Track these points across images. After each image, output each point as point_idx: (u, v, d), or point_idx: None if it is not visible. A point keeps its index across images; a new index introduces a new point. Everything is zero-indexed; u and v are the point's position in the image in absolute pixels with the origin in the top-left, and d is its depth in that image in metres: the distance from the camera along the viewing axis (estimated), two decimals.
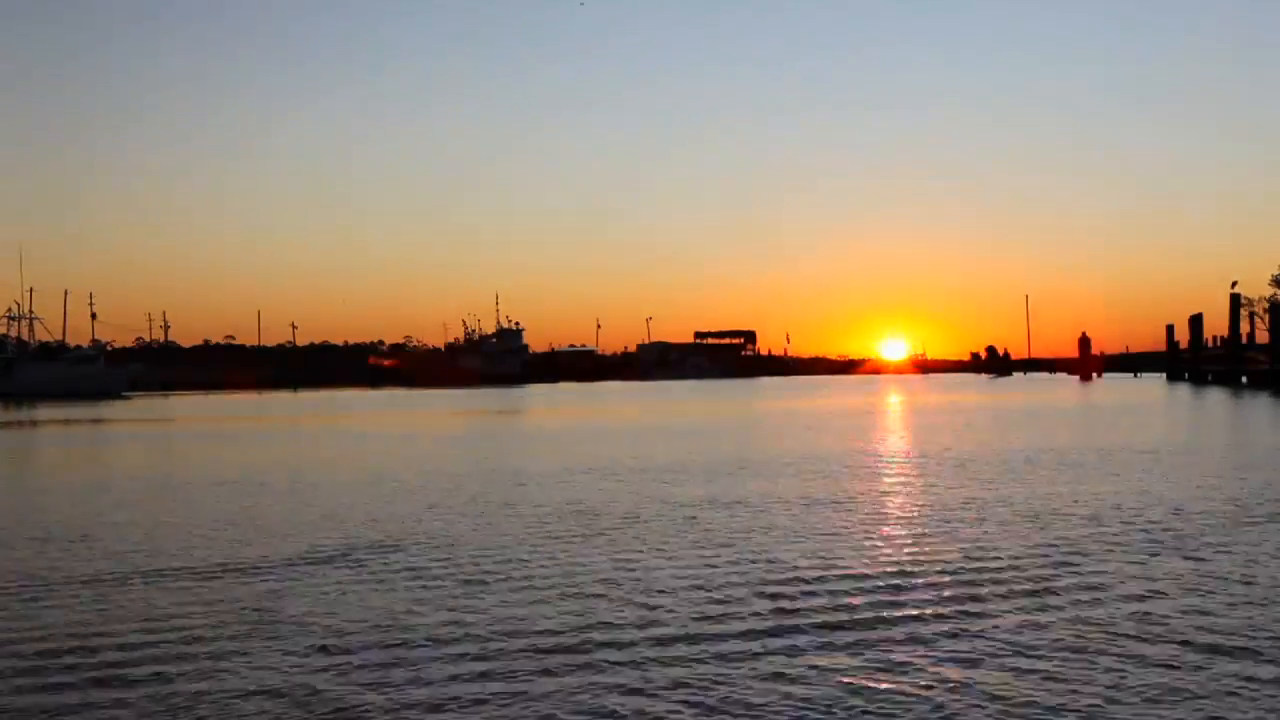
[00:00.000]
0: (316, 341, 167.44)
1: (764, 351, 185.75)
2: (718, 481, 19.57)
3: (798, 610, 9.31)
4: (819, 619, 9.00)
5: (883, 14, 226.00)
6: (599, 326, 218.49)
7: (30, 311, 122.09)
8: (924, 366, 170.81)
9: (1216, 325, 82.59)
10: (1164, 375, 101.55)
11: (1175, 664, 7.62)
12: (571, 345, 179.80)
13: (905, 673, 7.50)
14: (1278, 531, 13.02)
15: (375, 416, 53.31)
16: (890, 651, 8.01)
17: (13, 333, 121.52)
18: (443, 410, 60.88)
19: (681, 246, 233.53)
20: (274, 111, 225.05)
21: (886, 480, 19.75)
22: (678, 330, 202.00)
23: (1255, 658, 7.75)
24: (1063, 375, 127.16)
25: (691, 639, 8.45)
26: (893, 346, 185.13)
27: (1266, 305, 75.69)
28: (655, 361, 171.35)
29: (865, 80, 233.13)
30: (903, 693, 7.11)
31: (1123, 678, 7.31)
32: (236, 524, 15.08)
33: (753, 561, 11.60)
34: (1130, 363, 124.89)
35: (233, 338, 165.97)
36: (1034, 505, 15.81)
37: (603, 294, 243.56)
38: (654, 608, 9.50)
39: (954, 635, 8.44)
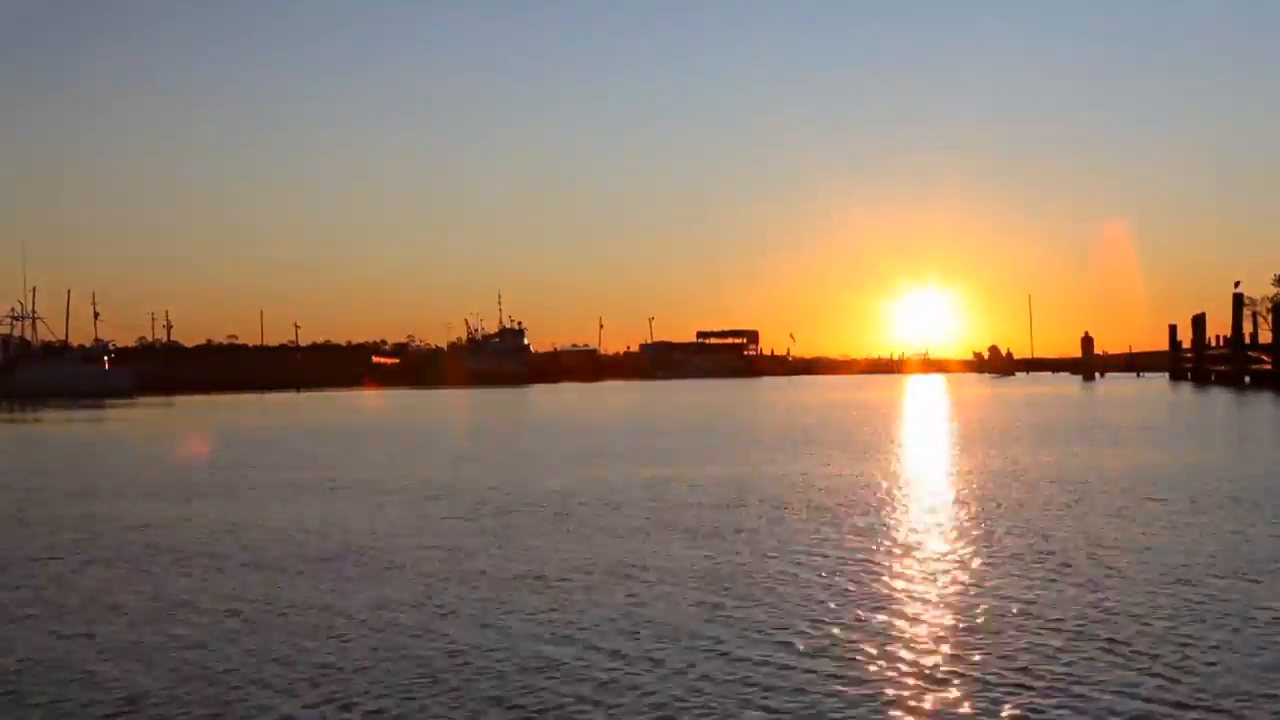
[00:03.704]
0: (319, 341, 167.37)
1: (767, 351, 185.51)
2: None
3: None
4: None
5: (884, 13, 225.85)
6: (601, 326, 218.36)
7: (33, 311, 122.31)
8: (927, 366, 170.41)
9: (1219, 326, 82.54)
10: (1167, 375, 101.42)
11: None
12: (574, 345, 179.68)
13: None
14: None
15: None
16: None
17: (15, 332, 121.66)
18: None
19: (684, 246, 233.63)
20: (276, 110, 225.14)
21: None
22: (680, 330, 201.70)
23: None
24: (1065, 375, 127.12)
25: None
26: (895, 346, 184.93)
27: (1270, 305, 75.61)
28: (657, 361, 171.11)
29: (867, 79, 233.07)
30: None
31: None
32: None
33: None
34: (1133, 363, 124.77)
35: (235, 337, 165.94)
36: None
37: (605, 293, 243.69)
38: None
39: None
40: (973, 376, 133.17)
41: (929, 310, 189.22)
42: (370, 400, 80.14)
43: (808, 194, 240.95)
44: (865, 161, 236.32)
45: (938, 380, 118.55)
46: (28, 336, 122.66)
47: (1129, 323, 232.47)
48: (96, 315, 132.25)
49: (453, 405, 67.73)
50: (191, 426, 46.18)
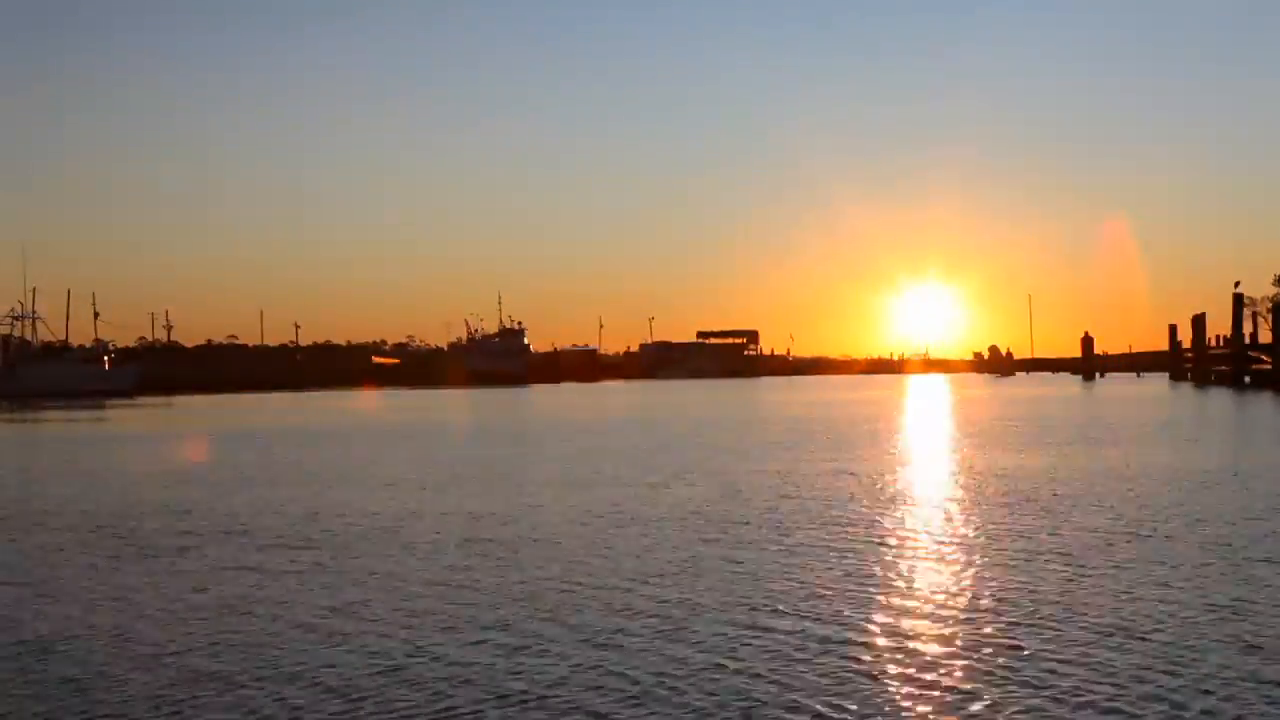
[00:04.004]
0: (319, 341, 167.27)
1: (766, 351, 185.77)
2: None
3: None
4: None
5: (884, 8, 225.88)
6: (601, 326, 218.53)
7: (33, 311, 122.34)
8: (927, 366, 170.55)
9: (1220, 326, 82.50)
10: (1167, 375, 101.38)
11: None
12: (574, 345, 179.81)
13: None
14: None
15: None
16: None
17: (15, 332, 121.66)
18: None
19: (683, 246, 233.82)
20: (276, 111, 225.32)
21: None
22: (680, 330, 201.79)
23: None
24: (1065, 375, 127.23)
25: None
26: (896, 346, 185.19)
27: (1270, 306, 75.60)
28: (657, 361, 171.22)
29: (867, 78, 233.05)
30: None
31: None
32: None
33: None
34: (1133, 363, 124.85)
35: (235, 337, 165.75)
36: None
37: (605, 293, 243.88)
38: None
39: None
40: (973, 377, 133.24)
41: (930, 306, 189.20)
42: (382, 401, 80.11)
43: (808, 190, 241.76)
44: (866, 157, 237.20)
45: (939, 381, 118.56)
46: (28, 336, 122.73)
47: (1131, 322, 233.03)
48: (96, 315, 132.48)
49: (493, 407, 67.72)
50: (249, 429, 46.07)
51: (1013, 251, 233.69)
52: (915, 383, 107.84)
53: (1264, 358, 71.90)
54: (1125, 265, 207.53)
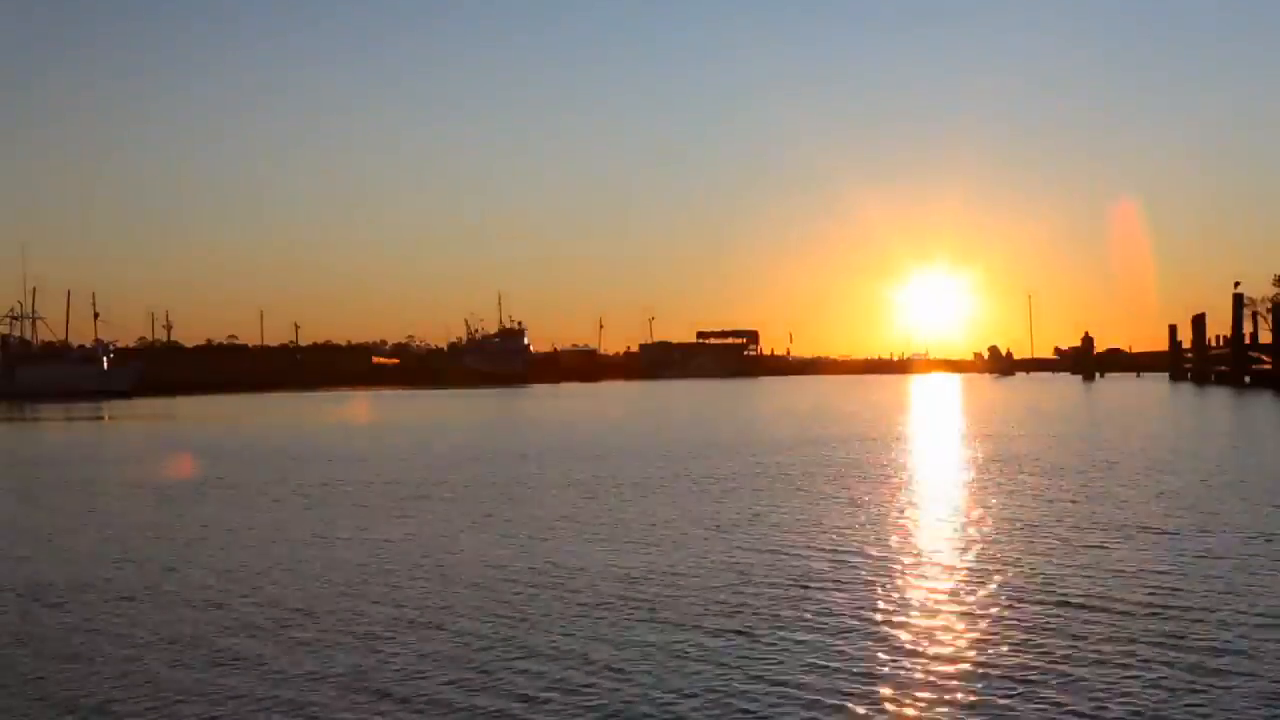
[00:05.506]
0: (319, 341, 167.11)
1: (767, 351, 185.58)
2: None
3: None
4: None
5: (883, 12, 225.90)
6: (601, 326, 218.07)
7: (33, 311, 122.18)
8: (928, 365, 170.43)
9: (1220, 326, 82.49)
10: (1167, 375, 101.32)
11: None
12: (574, 345, 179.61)
13: None
14: None
15: None
16: None
17: (15, 332, 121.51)
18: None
19: (684, 246, 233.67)
20: (277, 112, 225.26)
21: None
22: (680, 330, 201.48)
23: None
24: (1065, 375, 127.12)
25: None
26: (896, 345, 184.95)
27: (1270, 306, 75.61)
28: (657, 361, 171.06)
29: (869, 70, 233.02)
30: None
31: None
32: None
33: None
34: (1133, 362, 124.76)
35: (235, 337, 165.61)
36: None
37: (605, 294, 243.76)
38: None
39: None
40: (976, 377, 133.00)
41: (936, 296, 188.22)
42: (376, 404, 79.98)
43: (811, 183, 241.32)
44: (870, 150, 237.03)
45: (948, 382, 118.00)
46: (28, 336, 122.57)
47: (1134, 319, 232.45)
48: (96, 315, 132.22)
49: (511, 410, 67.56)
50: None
51: (1019, 242, 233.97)
52: (928, 384, 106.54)
53: (1264, 358, 71.89)
54: (1133, 252, 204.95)
